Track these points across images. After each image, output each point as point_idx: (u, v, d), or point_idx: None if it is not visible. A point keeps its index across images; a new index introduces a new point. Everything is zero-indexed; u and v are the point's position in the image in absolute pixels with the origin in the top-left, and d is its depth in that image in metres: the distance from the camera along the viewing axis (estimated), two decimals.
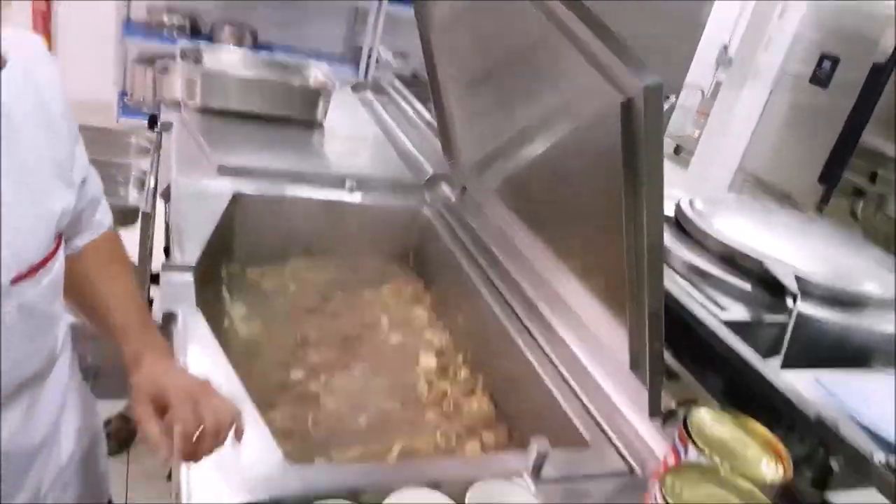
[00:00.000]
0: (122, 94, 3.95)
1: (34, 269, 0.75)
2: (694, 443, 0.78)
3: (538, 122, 1.19)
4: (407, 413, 1.27)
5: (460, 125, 1.61)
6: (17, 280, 0.73)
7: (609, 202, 0.87)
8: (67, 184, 0.82)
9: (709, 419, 0.84)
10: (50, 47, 4.19)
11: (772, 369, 1.03)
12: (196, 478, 0.77)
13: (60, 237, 0.82)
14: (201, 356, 1.01)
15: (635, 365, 0.96)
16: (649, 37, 2.90)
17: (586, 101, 0.89)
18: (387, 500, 0.78)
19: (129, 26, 3.85)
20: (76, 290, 0.90)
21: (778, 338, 1.17)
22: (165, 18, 3.84)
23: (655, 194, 0.77)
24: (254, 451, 0.84)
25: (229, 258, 1.56)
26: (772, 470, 0.79)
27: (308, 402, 1.23)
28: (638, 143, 0.74)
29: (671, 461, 0.82)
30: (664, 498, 0.66)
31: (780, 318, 1.21)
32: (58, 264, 0.81)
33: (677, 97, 2.93)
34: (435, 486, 0.83)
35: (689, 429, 0.80)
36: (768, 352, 1.09)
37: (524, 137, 1.27)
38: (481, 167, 1.54)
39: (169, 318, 1.07)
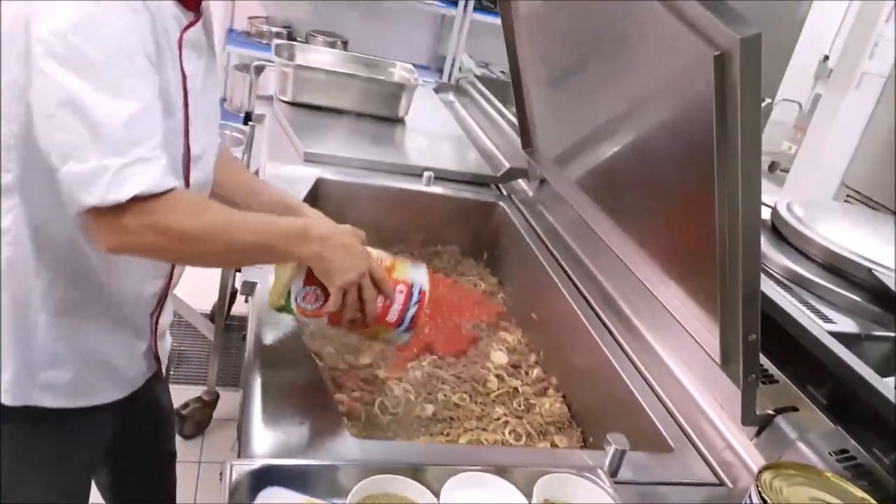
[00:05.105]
0: (222, 99, 4.15)
1: None
2: None
3: (623, 106, 1.13)
4: (475, 407, 1.22)
5: (541, 120, 1.57)
6: None
7: (699, 179, 0.80)
8: None
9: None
10: None
11: (885, 388, 0.93)
12: (257, 438, 0.75)
13: None
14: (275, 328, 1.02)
15: (726, 360, 0.88)
16: None
17: (675, 66, 0.83)
18: (449, 480, 0.74)
19: (231, 35, 4.06)
20: None
21: (889, 355, 1.08)
22: (264, 28, 4.02)
23: (752, 160, 0.70)
24: (320, 423, 0.82)
25: None
26: None
27: (376, 387, 1.20)
28: (733, 101, 0.68)
29: None
30: (760, 496, 0.59)
31: (892, 333, 1.11)
32: None
33: (773, 102, 2.74)
34: (501, 472, 0.78)
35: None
36: (878, 371, 0.98)
37: (608, 124, 1.21)
38: (562, 159, 1.49)
39: (250, 287, 1.11)
